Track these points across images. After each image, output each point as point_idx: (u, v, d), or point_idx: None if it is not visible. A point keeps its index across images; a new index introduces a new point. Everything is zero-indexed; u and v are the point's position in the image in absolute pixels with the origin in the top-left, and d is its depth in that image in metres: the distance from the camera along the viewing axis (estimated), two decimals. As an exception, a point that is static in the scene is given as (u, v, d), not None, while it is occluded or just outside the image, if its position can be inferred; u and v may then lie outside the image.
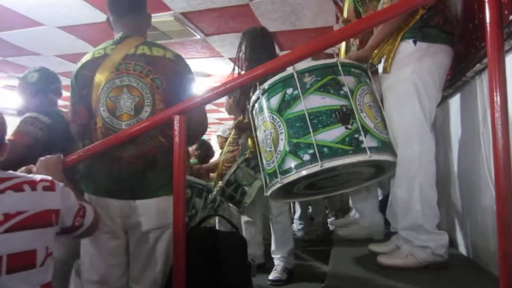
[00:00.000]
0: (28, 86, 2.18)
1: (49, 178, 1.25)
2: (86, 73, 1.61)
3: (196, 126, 1.61)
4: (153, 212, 1.54)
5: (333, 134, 1.48)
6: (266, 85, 1.65)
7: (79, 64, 1.65)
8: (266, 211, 2.75)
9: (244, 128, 2.65)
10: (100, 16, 4.01)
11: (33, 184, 1.18)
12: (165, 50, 1.65)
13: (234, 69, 2.60)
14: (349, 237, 2.34)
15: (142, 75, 1.57)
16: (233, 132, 3.48)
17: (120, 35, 1.67)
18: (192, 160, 4.61)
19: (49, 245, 1.19)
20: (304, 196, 1.99)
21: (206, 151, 4.83)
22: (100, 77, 1.57)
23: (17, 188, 1.15)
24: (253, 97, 1.74)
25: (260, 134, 1.70)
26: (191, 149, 4.73)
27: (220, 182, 2.83)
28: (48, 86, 2.21)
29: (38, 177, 1.23)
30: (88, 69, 1.61)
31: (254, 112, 1.76)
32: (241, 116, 2.74)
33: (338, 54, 2.64)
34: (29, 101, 2.16)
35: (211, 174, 4.17)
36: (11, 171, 1.22)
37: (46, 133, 1.96)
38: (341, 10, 2.80)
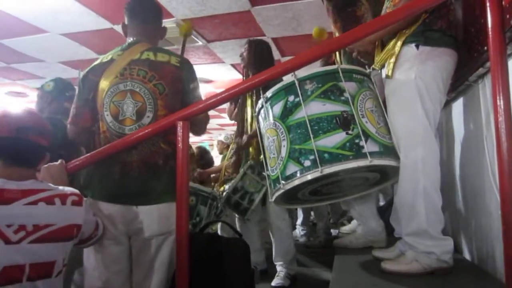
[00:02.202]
0: (44, 95, 2.29)
1: (77, 192, 1.30)
2: (92, 78, 1.63)
3: (195, 125, 1.65)
4: (155, 218, 1.53)
5: (334, 139, 1.48)
6: (269, 93, 1.66)
7: (87, 69, 1.68)
8: (266, 216, 2.74)
9: (244, 147, 2.68)
10: (103, 23, 4.04)
11: (63, 198, 1.23)
12: (170, 55, 1.65)
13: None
14: (347, 246, 2.28)
15: (145, 80, 1.57)
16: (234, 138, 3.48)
17: (129, 41, 1.69)
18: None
19: (66, 256, 1.23)
20: (311, 202, 1.99)
21: (204, 157, 4.84)
22: (105, 82, 1.59)
23: (49, 201, 1.19)
24: (258, 105, 1.76)
25: (265, 141, 1.72)
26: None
27: (222, 187, 2.82)
28: (63, 94, 2.30)
29: (68, 190, 1.28)
30: (94, 73, 1.63)
31: (260, 118, 1.77)
32: (240, 125, 2.76)
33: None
34: (44, 108, 2.25)
35: (212, 178, 4.17)
36: (43, 182, 1.27)
37: None
38: None
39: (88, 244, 1.43)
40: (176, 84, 1.60)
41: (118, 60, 1.62)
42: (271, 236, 2.66)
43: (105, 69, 1.61)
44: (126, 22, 1.75)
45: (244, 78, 2.75)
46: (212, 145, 9.30)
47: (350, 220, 3.30)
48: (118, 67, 1.60)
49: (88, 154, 1.58)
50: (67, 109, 2.28)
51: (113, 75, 1.59)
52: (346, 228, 2.92)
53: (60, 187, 1.28)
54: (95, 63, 1.67)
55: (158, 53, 1.64)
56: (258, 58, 2.66)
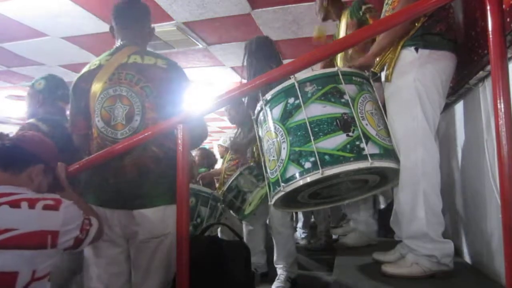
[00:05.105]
0: (35, 94, 2.19)
1: (56, 197, 1.20)
2: (82, 85, 1.64)
3: (195, 133, 1.60)
4: (150, 221, 1.53)
5: (334, 141, 1.48)
6: (268, 96, 1.66)
7: (76, 77, 1.68)
8: (268, 219, 2.74)
9: (240, 150, 2.67)
10: (103, 27, 4.05)
11: (32, 202, 1.11)
12: (157, 58, 1.65)
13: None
14: (353, 245, 2.33)
15: (132, 84, 1.58)
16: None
17: (116, 45, 1.70)
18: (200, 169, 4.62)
19: (38, 268, 1.09)
20: (311, 205, 1.99)
21: (208, 159, 4.86)
22: (95, 88, 1.59)
23: (14, 204, 1.09)
24: (257, 108, 1.75)
25: (264, 144, 1.71)
26: (197, 158, 4.77)
27: (222, 190, 2.82)
28: (55, 93, 2.20)
29: (45, 195, 1.19)
30: (84, 80, 1.64)
31: (258, 122, 1.77)
32: (237, 129, 2.75)
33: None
34: (36, 108, 2.16)
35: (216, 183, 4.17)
36: (24, 188, 1.20)
37: None
38: None
39: (78, 250, 1.31)
40: (164, 86, 1.60)
41: (107, 66, 1.62)
42: (273, 238, 2.65)
43: (95, 75, 1.61)
44: (113, 25, 1.76)
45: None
46: (212, 148, 9.30)
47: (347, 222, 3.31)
48: (107, 73, 1.60)
49: (88, 158, 1.58)
50: (61, 108, 2.25)
51: (103, 81, 1.59)
52: (338, 231, 2.91)
53: (43, 194, 1.19)
54: (84, 70, 1.67)
55: (145, 56, 1.64)
56: (261, 56, 2.59)
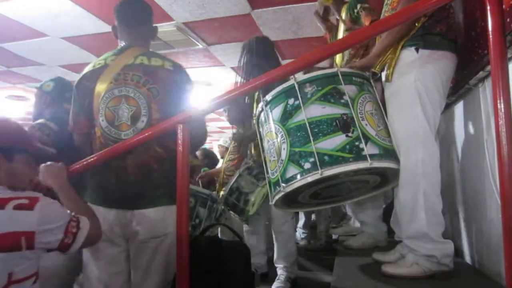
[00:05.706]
0: (43, 95, 2.21)
1: (34, 195, 1.13)
2: (86, 84, 1.63)
3: (195, 134, 1.59)
4: (150, 221, 1.53)
5: (334, 142, 1.48)
6: (269, 96, 1.66)
7: (80, 75, 1.67)
8: (269, 219, 2.74)
9: (242, 140, 2.66)
10: (103, 27, 4.05)
11: (2, 202, 1.06)
12: (163, 60, 1.65)
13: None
14: (361, 247, 2.30)
15: (139, 85, 1.57)
16: (233, 141, 3.48)
17: (121, 45, 1.69)
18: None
19: (15, 271, 1.05)
20: (312, 205, 1.99)
21: (209, 159, 4.86)
22: (100, 87, 1.59)
23: None
24: (258, 108, 1.76)
25: (265, 144, 1.72)
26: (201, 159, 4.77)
27: (222, 191, 2.82)
28: (62, 95, 2.21)
29: (24, 193, 1.13)
30: (88, 79, 1.63)
31: (259, 123, 1.77)
32: (240, 126, 2.74)
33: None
34: (43, 109, 2.18)
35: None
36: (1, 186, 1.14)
37: (53, 140, 1.97)
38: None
39: (71, 252, 1.20)
40: (170, 88, 1.60)
41: (112, 65, 1.61)
42: (273, 237, 2.65)
43: (100, 75, 1.61)
44: (116, 25, 1.75)
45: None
46: (212, 148, 9.30)
47: (347, 222, 3.30)
48: (112, 73, 1.60)
49: (89, 157, 1.58)
50: (67, 110, 2.27)
51: (108, 81, 1.59)
52: (338, 231, 2.91)
53: (17, 192, 1.13)
54: (88, 69, 1.67)
55: (152, 57, 1.64)
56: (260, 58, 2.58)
